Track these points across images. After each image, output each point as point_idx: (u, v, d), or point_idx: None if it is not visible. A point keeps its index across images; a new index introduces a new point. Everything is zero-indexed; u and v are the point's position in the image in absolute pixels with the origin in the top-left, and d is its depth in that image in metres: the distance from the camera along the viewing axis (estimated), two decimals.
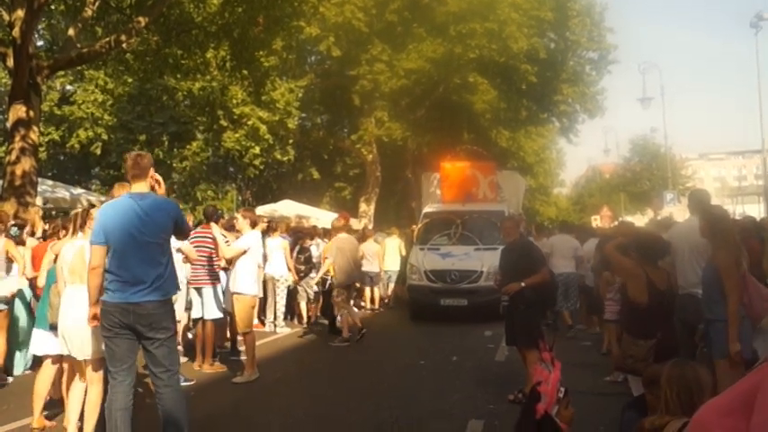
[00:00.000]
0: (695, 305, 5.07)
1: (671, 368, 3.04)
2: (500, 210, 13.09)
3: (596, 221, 21.32)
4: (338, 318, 10.53)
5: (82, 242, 5.00)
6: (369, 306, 14.20)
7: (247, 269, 7.51)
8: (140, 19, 11.80)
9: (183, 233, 4.95)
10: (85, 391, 5.03)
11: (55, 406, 5.90)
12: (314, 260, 11.67)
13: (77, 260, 4.95)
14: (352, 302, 11.10)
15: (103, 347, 4.61)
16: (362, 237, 14.40)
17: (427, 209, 14.59)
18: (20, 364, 7.55)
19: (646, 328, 4.71)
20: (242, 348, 8.19)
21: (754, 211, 33.20)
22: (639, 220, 35.15)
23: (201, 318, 8.08)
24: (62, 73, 20.70)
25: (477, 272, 11.98)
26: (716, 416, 1.13)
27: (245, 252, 7.50)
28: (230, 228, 8.92)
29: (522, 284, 6.48)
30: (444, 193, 14.65)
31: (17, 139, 10.51)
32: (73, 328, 4.88)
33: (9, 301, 7.21)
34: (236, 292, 7.53)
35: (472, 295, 11.78)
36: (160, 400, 4.49)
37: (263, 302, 11.64)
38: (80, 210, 5.32)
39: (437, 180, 15.12)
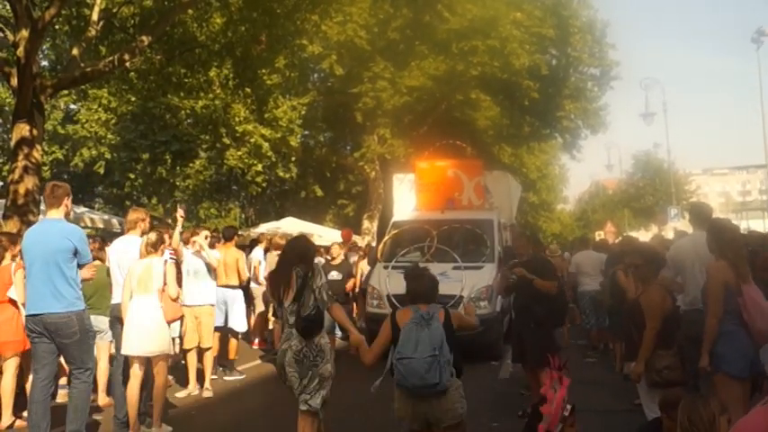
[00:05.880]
0: (703, 320, 5.04)
1: (685, 403, 3.07)
2: (488, 219, 11.17)
3: (600, 237, 21.18)
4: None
5: (150, 260, 5.90)
6: None
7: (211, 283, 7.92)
8: (144, 38, 11.86)
9: (80, 258, 5.32)
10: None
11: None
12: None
13: (145, 275, 5.85)
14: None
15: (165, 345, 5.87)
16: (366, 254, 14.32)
17: (397, 218, 12.03)
18: None
19: (667, 337, 4.67)
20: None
21: (759, 226, 33.11)
22: (644, 235, 35.03)
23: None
24: (66, 92, 20.78)
25: (455, 297, 9.07)
26: None
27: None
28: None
29: (533, 279, 6.35)
30: (420, 199, 12.00)
31: (20, 157, 10.50)
32: (140, 330, 5.73)
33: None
34: (206, 303, 7.78)
35: None
36: (71, 389, 5.36)
37: (266, 322, 11.61)
38: (153, 237, 6.06)
39: (411, 183, 12.41)
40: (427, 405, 3.89)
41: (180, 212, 7.32)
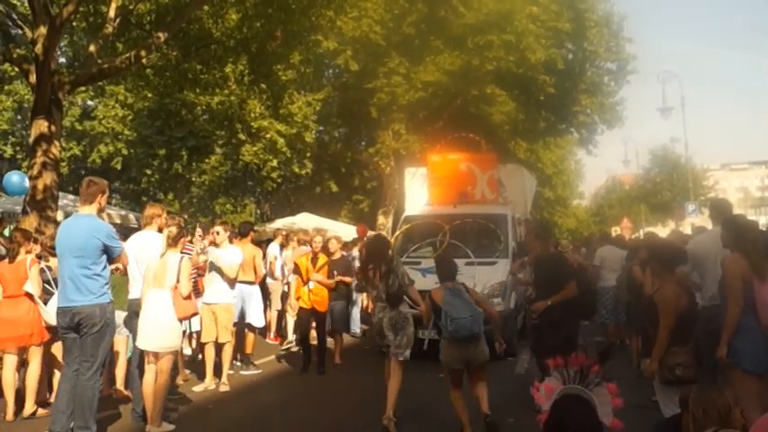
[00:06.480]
0: (721, 315, 5.00)
1: (699, 394, 3.05)
2: (502, 213, 10.91)
3: (616, 232, 21.00)
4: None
5: (165, 255, 6.00)
6: None
7: (225, 279, 7.98)
8: (160, 35, 11.92)
9: (110, 253, 5.48)
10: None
11: None
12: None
13: (160, 270, 5.95)
14: None
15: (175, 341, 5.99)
16: None
17: (409, 212, 11.79)
18: None
19: (682, 334, 4.63)
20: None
21: None
22: (661, 231, 34.76)
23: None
24: (83, 88, 20.99)
25: None
26: None
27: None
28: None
29: (549, 303, 6.38)
30: (432, 193, 11.80)
31: (39, 153, 10.62)
32: (153, 324, 5.83)
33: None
34: (224, 301, 7.94)
35: None
36: (78, 386, 5.33)
37: (281, 317, 11.64)
38: (174, 230, 6.16)
39: (423, 177, 12.20)
40: (466, 350, 5.65)
41: (199, 232, 7.52)
